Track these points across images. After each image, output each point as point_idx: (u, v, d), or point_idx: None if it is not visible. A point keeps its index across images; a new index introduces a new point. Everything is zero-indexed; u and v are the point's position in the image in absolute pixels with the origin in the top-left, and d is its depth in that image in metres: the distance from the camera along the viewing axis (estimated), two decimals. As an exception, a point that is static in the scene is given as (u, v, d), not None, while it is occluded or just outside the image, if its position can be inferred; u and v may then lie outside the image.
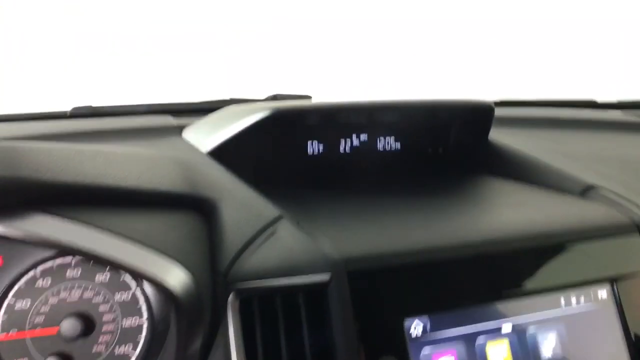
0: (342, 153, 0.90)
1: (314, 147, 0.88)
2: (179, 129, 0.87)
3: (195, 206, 0.57)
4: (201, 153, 0.76)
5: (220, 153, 0.75)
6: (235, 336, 0.46)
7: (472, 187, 0.80)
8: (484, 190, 0.80)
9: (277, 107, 0.72)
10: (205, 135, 0.80)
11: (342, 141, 0.90)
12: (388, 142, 0.93)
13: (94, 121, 0.97)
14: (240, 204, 0.56)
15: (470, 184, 0.82)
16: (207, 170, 0.66)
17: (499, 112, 1.22)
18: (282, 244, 0.49)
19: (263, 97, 1.23)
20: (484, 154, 0.91)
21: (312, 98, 1.26)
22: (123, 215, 0.46)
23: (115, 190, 0.47)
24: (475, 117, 0.87)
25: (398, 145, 0.94)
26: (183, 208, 0.54)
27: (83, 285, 0.52)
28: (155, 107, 1.06)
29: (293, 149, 0.85)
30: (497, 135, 0.99)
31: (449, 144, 0.93)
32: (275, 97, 1.17)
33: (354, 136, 0.90)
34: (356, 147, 0.91)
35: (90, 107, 1.03)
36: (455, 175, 0.87)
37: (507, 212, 0.65)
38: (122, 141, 0.82)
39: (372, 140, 0.92)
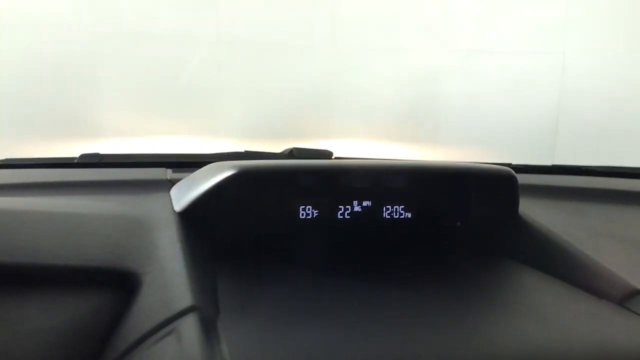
0: (339, 219, 0.78)
1: (306, 210, 0.78)
2: (171, 184, 0.83)
3: (115, 282, 0.49)
4: (172, 212, 0.69)
5: (191, 213, 0.68)
6: None
7: (484, 280, 0.64)
8: (499, 286, 0.64)
9: (243, 166, 0.64)
10: (184, 193, 0.74)
11: (341, 207, 0.79)
12: (396, 211, 0.80)
13: (96, 171, 0.96)
14: (163, 283, 0.47)
15: (484, 273, 0.66)
16: (154, 236, 0.59)
17: (548, 180, 1.06)
18: (174, 348, 0.38)
19: (281, 150, 1.16)
20: (510, 233, 0.75)
21: (334, 153, 1.17)
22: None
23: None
24: (495, 187, 0.72)
25: (409, 214, 0.81)
26: (93, 285, 0.46)
27: None
28: (162, 157, 1.05)
29: (278, 212, 0.75)
30: (537, 209, 0.83)
31: (469, 217, 0.79)
32: (292, 152, 1.10)
33: (355, 202, 0.79)
34: (357, 213, 0.79)
35: (97, 155, 1.03)
36: (471, 259, 0.72)
37: (509, 326, 0.50)
38: (106, 194, 0.79)
39: (376, 207, 0.80)
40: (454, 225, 0.80)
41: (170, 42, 1.31)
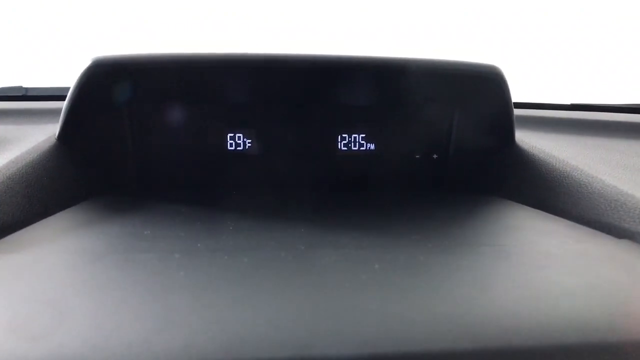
0: (279, 152, 0.61)
1: (236, 140, 0.61)
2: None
3: None
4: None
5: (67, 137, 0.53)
6: None
7: (461, 229, 0.43)
8: (485, 228, 0.43)
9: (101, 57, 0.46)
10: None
11: (278, 135, 0.61)
12: (355, 141, 0.62)
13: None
14: None
15: (462, 222, 0.45)
16: None
17: (563, 114, 0.86)
18: None
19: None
20: (504, 167, 0.56)
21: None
22: None
23: None
24: (487, 90, 0.51)
25: (371, 145, 0.63)
26: None
27: None
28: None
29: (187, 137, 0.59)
30: (545, 142, 0.64)
31: (449, 145, 0.60)
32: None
33: (302, 129, 0.62)
34: (303, 144, 0.62)
35: (22, 88, 0.89)
36: (449, 201, 0.53)
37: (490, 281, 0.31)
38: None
39: (328, 136, 0.62)
40: (430, 157, 0.61)
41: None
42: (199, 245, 0.31)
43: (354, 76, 0.52)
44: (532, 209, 0.46)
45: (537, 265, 0.30)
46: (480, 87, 0.50)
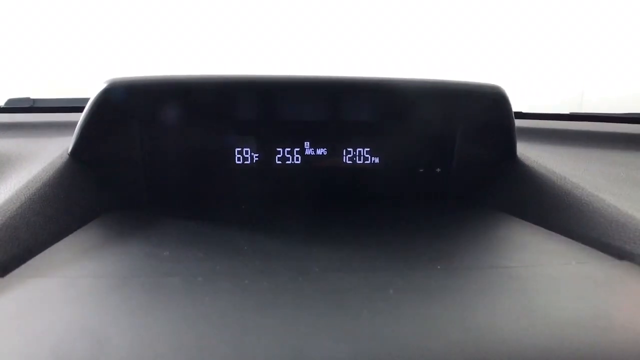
0: (287, 165, 0.63)
1: (244, 154, 0.62)
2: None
3: None
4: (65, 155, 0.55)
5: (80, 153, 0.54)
6: None
7: (467, 249, 0.44)
8: (485, 248, 0.44)
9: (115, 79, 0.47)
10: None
11: (288, 149, 0.63)
12: (359, 154, 0.64)
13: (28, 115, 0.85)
14: None
15: (468, 240, 0.47)
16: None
17: (562, 125, 0.87)
18: None
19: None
20: (505, 180, 0.58)
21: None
22: None
23: None
24: (483, 111, 0.53)
25: (376, 159, 0.64)
26: None
27: None
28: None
29: (209, 156, 0.60)
30: (545, 154, 0.65)
31: (452, 160, 0.61)
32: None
33: (307, 143, 0.63)
34: (310, 157, 0.63)
35: (29, 100, 0.90)
36: (454, 215, 0.55)
37: (490, 308, 0.32)
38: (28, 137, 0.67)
39: (334, 150, 0.63)
40: (433, 171, 0.63)
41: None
42: (217, 267, 0.33)
43: (362, 97, 0.54)
44: (534, 226, 0.48)
45: (542, 290, 0.31)
46: (483, 106, 0.52)
